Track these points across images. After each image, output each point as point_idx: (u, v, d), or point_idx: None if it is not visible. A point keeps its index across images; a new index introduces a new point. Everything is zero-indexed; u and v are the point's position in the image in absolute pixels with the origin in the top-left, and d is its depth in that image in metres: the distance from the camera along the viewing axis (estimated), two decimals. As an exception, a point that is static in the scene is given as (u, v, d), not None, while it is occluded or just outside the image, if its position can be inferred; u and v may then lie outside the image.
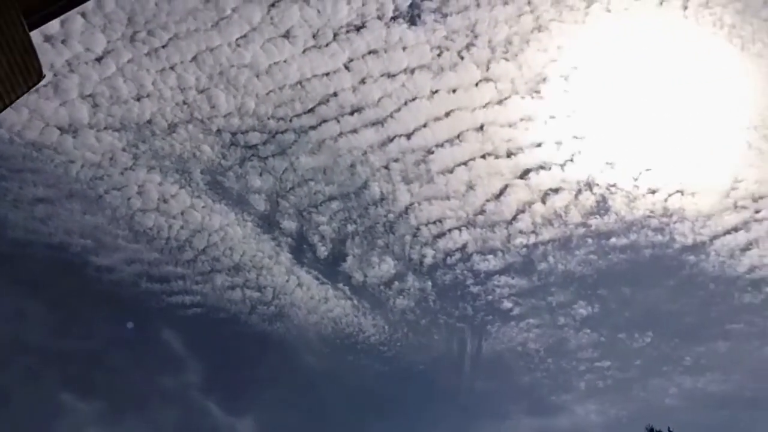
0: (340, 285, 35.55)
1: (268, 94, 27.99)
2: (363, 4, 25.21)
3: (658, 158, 30.18)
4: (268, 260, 34.57)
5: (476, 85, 27.37)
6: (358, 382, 38.95)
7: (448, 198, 31.25)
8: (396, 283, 35.44)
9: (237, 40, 26.22)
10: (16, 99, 8.47)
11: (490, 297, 35.81)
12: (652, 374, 40.14)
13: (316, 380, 38.77)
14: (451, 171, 30.25)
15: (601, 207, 31.62)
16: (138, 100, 28.73)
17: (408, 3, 25.21)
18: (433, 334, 38.35)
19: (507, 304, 36.19)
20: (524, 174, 30.39)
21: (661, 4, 25.58)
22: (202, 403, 37.98)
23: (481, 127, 28.76)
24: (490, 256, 33.83)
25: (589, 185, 30.80)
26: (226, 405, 38.14)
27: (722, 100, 28.71)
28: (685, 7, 25.66)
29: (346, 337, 37.82)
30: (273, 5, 25.15)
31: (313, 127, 28.86)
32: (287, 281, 35.43)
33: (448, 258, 34.02)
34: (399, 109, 28.16)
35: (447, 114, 28.34)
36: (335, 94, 27.89)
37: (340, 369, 39.15)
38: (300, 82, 27.61)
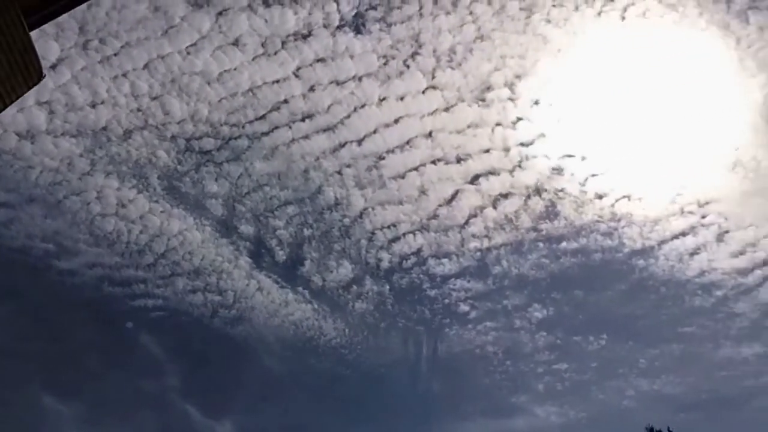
0: (300, 289, 35.80)
1: (220, 101, 28.26)
2: (309, 14, 25.58)
3: (604, 164, 30.69)
4: (227, 264, 34.78)
5: (423, 92, 27.79)
6: (321, 385, 39.20)
7: (401, 203, 31.60)
8: (354, 286, 35.74)
9: (187, 48, 26.51)
10: (16, 99, 8.45)
11: (446, 300, 36.18)
12: (608, 376, 40.57)
13: (276, 383, 38.94)
14: (402, 176, 30.62)
15: (551, 212, 32.08)
16: (93, 107, 28.93)
17: (353, 13, 25.60)
18: (392, 337, 38.66)
19: (464, 308, 36.55)
20: (474, 179, 30.81)
21: (599, 14, 26.09)
22: (167, 404, 38.11)
23: (430, 134, 29.18)
24: (445, 260, 34.19)
25: (538, 190, 31.25)
26: (192, 407, 38.27)
27: (663, 108, 29.25)
28: (623, 18, 26.19)
29: (307, 340, 38.05)
30: (221, 14, 25.48)
31: (265, 134, 29.17)
32: (247, 285, 35.63)
33: (404, 262, 34.38)
34: (349, 116, 28.53)
35: (396, 121, 28.72)
36: (286, 101, 28.21)
37: (302, 372, 39.38)
38: (251, 90, 27.92)
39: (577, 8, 25.82)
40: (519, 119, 28.76)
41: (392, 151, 29.70)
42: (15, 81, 8.23)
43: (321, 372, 39.01)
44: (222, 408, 38.98)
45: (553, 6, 25.66)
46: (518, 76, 27.48)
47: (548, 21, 25.98)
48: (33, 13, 8.37)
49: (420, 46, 26.36)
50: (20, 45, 8.11)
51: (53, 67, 27.67)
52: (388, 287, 35.69)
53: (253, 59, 26.93)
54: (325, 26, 25.79)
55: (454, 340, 37.93)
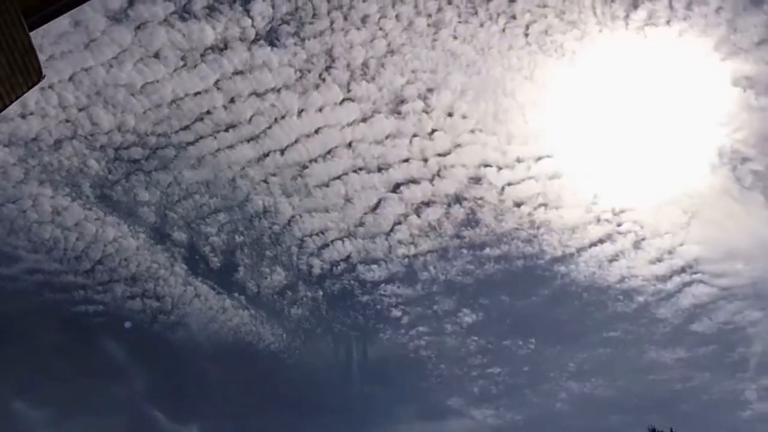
0: (236, 295, 36.05)
1: (145, 112, 28.65)
2: (225, 28, 26.11)
3: (520, 173, 31.34)
4: (163, 271, 34.99)
5: (340, 104, 28.35)
6: (260, 390, 39.31)
7: (327, 210, 32.04)
8: (289, 292, 36.05)
9: (109, 60, 26.93)
10: (16, 99, 8.29)
11: (378, 306, 36.55)
12: (540, 380, 41.05)
13: (216, 389, 38.98)
14: (327, 185, 31.09)
15: (472, 220, 32.63)
16: (23, 117, 29.27)
17: (267, 27, 26.17)
18: (328, 342, 38.98)
19: (396, 313, 36.95)
20: (396, 188, 31.35)
21: (503, 31, 26.82)
22: (107, 407, 38.08)
23: (350, 144, 29.71)
24: (375, 266, 34.62)
25: (458, 199, 31.84)
26: (140, 412, 38.28)
27: (574, 119, 30.00)
28: (527, 35, 26.94)
29: (246, 345, 38.23)
30: (139, 28, 25.95)
31: (191, 143, 29.56)
32: (185, 291, 35.84)
33: (335, 268, 34.75)
34: (270, 127, 29.01)
35: (316, 131, 29.24)
36: (209, 112, 28.66)
37: (241, 377, 39.44)
38: (174, 101, 28.34)
39: (482, 25, 26.56)
40: (434, 130, 29.42)
41: (315, 161, 30.22)
42: (15, 81, 8.12)
43: (260, 377, 39.22)
44: (164, 412, 39.00)
45: (459, 22, 26.38)
46: (430, 90, 28.16)
47: (455, 37, 26.69)
48: (33, 13, 8.30)
49: (333, 60, 26.99)
50: (20, 45, 8.01)
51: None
52: (321, 293, 36.09)
53: (174, 71, 27.39)
54: (241, 40, 26.36)
55: (388, 344, 38.32)
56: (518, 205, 32.07)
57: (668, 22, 26.72)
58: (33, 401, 35.63)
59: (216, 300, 36.26)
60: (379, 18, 25.96)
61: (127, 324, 36.46)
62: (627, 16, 26.67)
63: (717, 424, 42.93)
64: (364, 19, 25.95)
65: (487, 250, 33.90)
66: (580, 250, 34.04)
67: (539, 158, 30.76)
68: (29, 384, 35.93)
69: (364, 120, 28.76)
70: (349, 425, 41.26)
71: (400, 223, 32.71)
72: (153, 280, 35.39)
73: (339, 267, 34.64)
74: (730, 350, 38.98)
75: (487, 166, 30.73)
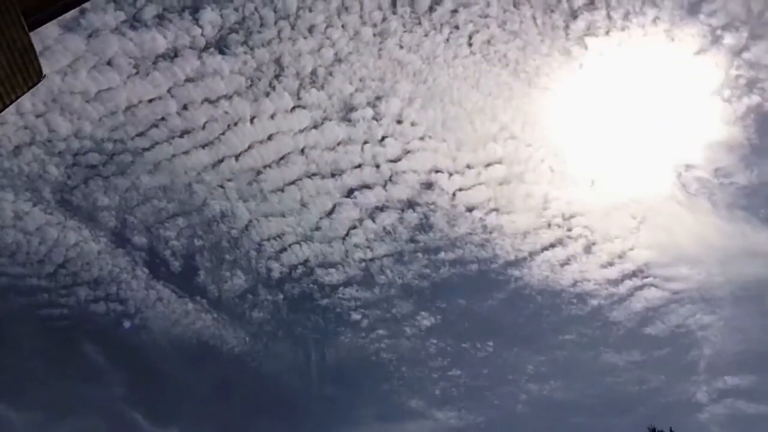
0: (198, 298, 36.14)
1: (101, 119, 28.82)
2: (176, 36, 26.38)
3: (471, 179, 31.65)
4: (125, 275, 35.07)
5: (291, 111, 28.63)
6: (222, 392, 39.31)
7: (284, 215, 32.25)
8: (249, 296, 36.17)
9: (64, 68, 27.14)
10: (16, 99, 8.26)
11: (338, 309, 36.71)
12: (500, 382, 41.21)
13: (179, 392, 38.94)
14: (282, 190, 31.31)
15: (425, 224, 32.91)
16: (-18, 124, 29.40)
17: (217, 36, 26.46)
18: (290, 345, 39.05)
19: (355, 316, 37.10)
20: (350, 193, 31.61)
21: (447, 40, 27.19)
22: (76, 410, 37.99)
23: (303, 150, 29.97)
24: (332, 270, 34.81)
25: (411, 204, 32.10)
26: (102, 415, 38.19)
27: (520, 129, 30.37)
28: (470, 44, 27.31)
29: (210, 348, 38.27)
30: (91, 36, 26.17)
31: (147, 149, 29.74)
32: (147, 295, 35.89)
33: (294, 272, 34.92)
34: (224, 133, 29.23)
35: (269, 137, 29.48)
36: (163, 119, 28.87)
37: (205, 380, 39.47)
38: (129, 108, 28.54)
39: (426, 35, 26.92)
40: (385, 137, 29.72)
41: (269, 166, 30.46)
42: (15, 81, 8.06)
43: (223, 380, 39.25)
44: (133, 414, 38.94)
45: (404, 32, 26.73)
46: (379, 97, 28.48)
47: (401, 46, 27.03)
48: (33, 13, 8.34)
49: (283, 68, 27.30)
50: (20, 45, 8.00)
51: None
52: (281, 296, 36.21)
53: (128, 78, 27.62)
54: (191, 48, 26.62)
55: (348, 347, 38.44)
56: (470, 209, 32.40)
57: (608, 32, 27.17)
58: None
59: (178, 303, 36.34)
60: (326, 27, 26.33)
61: (127, 324, 36.57)
62: (567, 27, 27.11)
63: (676, 426, 43.21)
64: (311, 29, 26.30)
65: (442, 254, 34.21)
66: (532, 254, 34.38)
67: (488, 164, 31.13)
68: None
69: (315, 127, 29.08)
70: (312, 427, 41.35)
71: (355, 227, 32.98)
72: (116, 283, 35.48)
73: (298, 270, 34.87)
74: (684, 353, 39.32)
75: (438, 171, 31.08)
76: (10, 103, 8.15)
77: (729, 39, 27.52)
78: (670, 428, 25.83)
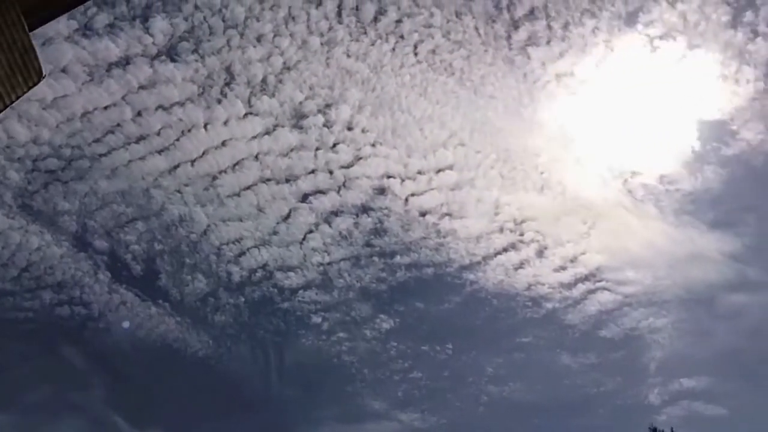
0: (160, 302, 36.08)
1: (58, 125, 28.89)
2: (127, 45, 26.51)
3: (422, 184, 31.81)
4: (88, 278, 35.03)
5: (243, 117, 28.77)
6: (185, 395, 39.12)
7: (241, 220, 32.29)
8: (211, 299, 36.12)
9: (19, 74, 27.17)
10: (16, 99, 8.02)
11: (299, 312, 36.69)
12: (461, 384, 41.20)
13: (145, 396, 38.69)
14: (238, 195, 31.39)
15: (380, 229, 33.01)
16: (-58, 130, 29.45)
17: (168, 44, 26.61)
18: (253, 348, 38.95)
19: (316, 319, 37.07)
20: (305, 198, 31.71)
21: (394, 50, 27.42)
22: (39, 414, 37.76)
23: (257, 156, 30.08)
24: (291, 273, 34.83)
25: (365, 209, 32.23)
26: (63, 419, 37.95)
27: (469, 136, 30.58)
28: (416, 54, 27.55)
29: (174, 351, 38.15)
30: (44, 44, 26.26)
31: (103, 155, 29.80)
32: (110, 298, 35.85)
33: (253, 275, 34.92)
34: (179, 139, 29.32)
35: (223, 143, 29.61)
36: (119, 125, 28.95)
37: (169, 382, 39.30)
38: (85, 114, 28.62)
39: (373, 44, 27.15)
40: (337, 143, 29.87)
41: (225, 172, 30.54)
42: (15, 81, 7.86)
43: (187, 382, 39.09)
44: (93, 419, 38.70)
45: (351, 41, 26.95)
46: (329, 105, 28.65)
47: (349, 55, 27.25)
48: (33, 13, 8.08)
49: (233, 76, 27.46)
50: (20, 45, 7.77)
51: None
52: (242, 299, 36.17)
53: (83, 86, 27.71)
54: (143, 56, 26.75)
55: (310, 350, 38.38)
56: (423, 214, 32.55)
57: (549, 42, 27.46)
58: None
59: (142, 307, 36.26)
60: (274, 36, 26.52)
61: (126, 324, 36.45)
62: (509, 37, 27.39)
63: (634, 428, 43.32)
64: (260, 38, 26.50)
65: (398, 258, 34.29)
66: (486, 258, 34.50)
67: (439, 170, 31.31)
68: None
69: (267, 133, 29.21)
70: (275, 428, 41.22)
71: (312, 231, 33.06)
72: (79, 287, 35.36)
73: (257, 274, 34.87)
74: (639, 356, 39.46)
75: (390, 177, 31.23)
76: (11, 103, 8.01)
77: (667, 49, 27.87)
78: (671, 428, 25.58)
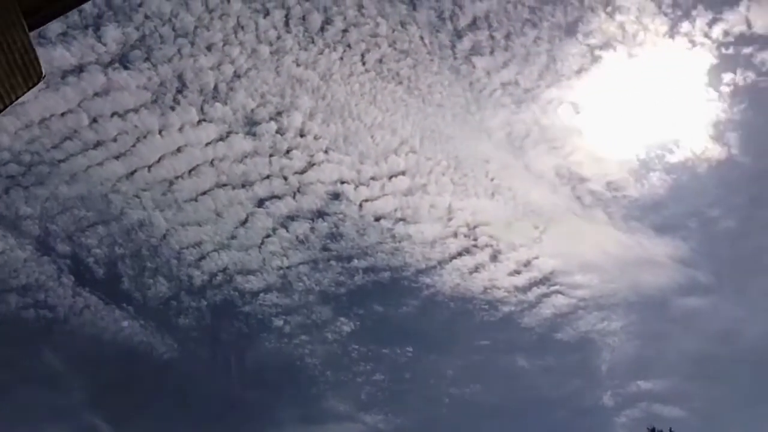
0: (124, 305, 35.99)
1: (17, 132, 28.93)
2: (80, 52, 26.61)
3: (376, 190, 31.88)
4: (53, 282, 34.95)
5: (197, 124, 28.86)
6: (150, 399, 38.87)
7: (200, 224, 32.30)
8: (173, 303, 36.04)
9: (-24, 81, 27.23)
10: (16, 99, 7.91)
11: (260, 315, 36.60)
12: (423, 386, 41.13)
13: (110, 401, 38.35)
14: (195, 200, 31.41)
15: (336, 233, 33.06)
16: None
17: (120, 52, 26.73)
18: (217, 351, 38.84)
19: (277, 322, 37.01)
20: (261, 203, 31.77)
21: (342, 58, 27.60)
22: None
23: (212, 162, 30.15)
24: (251, 277, 34.78)
25: (321, 214, 32.29)
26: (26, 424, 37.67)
27: (419, 143, 30.71)
28: (364, 62, 27.72)
29: (141, 355, 37.96)
30: None
31: (62, 161, 29.82)
32: (74, 302, 35.74)
33: (214, 279, 34.89)
34: (135, 145, 29.39)
35: (179, 149, 29.66)
36: (76, 131, 29.00)
37: (135, 386, 39.04)
38: (43, 121, 28.67)
39: (321, 52, 27.31)
40: (290, 149, 29.96)
41: (181, 177, 30.58)
42: (15, 81, 7.72)
43: (152, 386, 38.87)
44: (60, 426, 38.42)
45: (300, 50, 27.11)
46: (280, 112, 28.76)
47: (298, 64, 27.40)
48: (33, 13, 7.96)
49: (185, 83, 27.57)
50: (20, 45, 7.64)
51: None
52: (204, 303, 36.08)
53: (40, 92, 27.74)
54: (97, 63, 26.85)
55: (273, 352, 38.26)
56: (378, 219, 32.59)
57: (492, 52, 27.66)
58: None
59: (106, 310, 36.15)
60: (224, 45, 26.67)
61: (125, 324, 36.26)
62: (453, 46, 27.58)
63: (595, 430, 43.28)
64: (210, 47, 26.64)
65: (355, 262, 34.31)
66: (441, 262, 34.54)
67: (392, 176, 31.40)
68: None
69: (221, 139, 29.28)
70: (241, 431, 41.03)
71: (269, 236, 33.08)
72: (43, 291, 35.25)
73: (218, 278, 34.81)
74: (595, 358, 39.47)
75: (344, 183, 31.31)
76: (11, 103, 7.89)
77: (608, 58, 28.11)
78: (670, 428, 25.52)
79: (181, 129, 28.97)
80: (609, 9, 26.40)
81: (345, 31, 26.59)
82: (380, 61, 27.39)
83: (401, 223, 32.78)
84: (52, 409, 38.06)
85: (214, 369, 39.59)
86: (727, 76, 28.86)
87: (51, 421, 38.16)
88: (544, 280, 35.76)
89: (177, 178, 30.63)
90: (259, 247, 33.55)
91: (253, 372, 39.49)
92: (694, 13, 26.93)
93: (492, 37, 27.11)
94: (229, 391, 40.34)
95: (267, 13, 25.93)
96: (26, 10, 7.74)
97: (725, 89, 29.31)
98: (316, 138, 29.60)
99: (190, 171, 30.43)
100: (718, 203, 33.05)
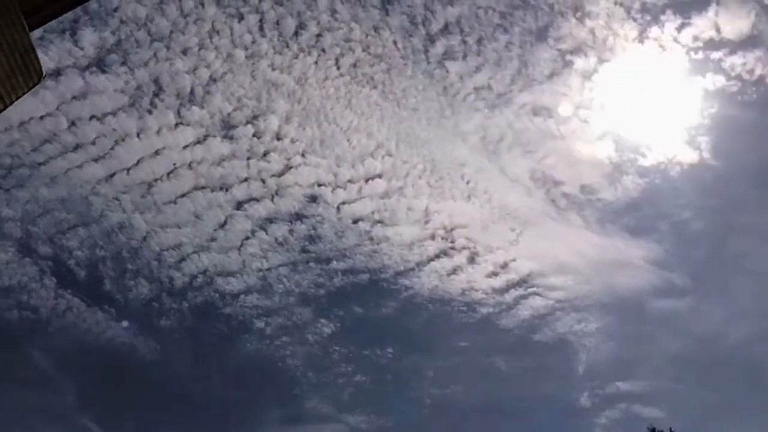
0: (106, 307, 35.95)
1: (-4, 135, 28.98)
2: (57, 55, 26.70)
3: (353, 193, 31.95)
4: (35, 284, 34.91)
5: (175, 127, 28.93)
6: (128, 401, 38.74)
7: (179, 226, 32.33)
8: (155, 304, 36.03)
9: (-46, 85, 27.29)
10: (16, 99, 7.83)
11: (241, 317, 36.58)
12: (405, 387, 41.08)
13: (92, 402, 38.28)
14: (175, 202, 31.45)
15: (315, 235, 33.11)
16: None
17: (97, 56, 26.81)
18: (200, 352, 38.79)
19: (259, 324, 37.00)
20: (240, 206, 31.82)
21: (317, 63, 27.71)
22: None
23: (190, 165, 30.21)
24: (232, 279, 34.78)
25: (299, 216, 32.35)
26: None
27: (395, 146, 30.80)
28: (339, 67, 27.83)
29: (123, 357, 37.89)
30: (-23, 56, 26.37)
31: (42, 163, 29.86)
32: (57, 304, 35.70)
33: (195, 281, 34.87)
34: (113, 148, 29.45)
35: (157, 152, 29.73)
36: (55, 134, 29.05)
37: (116, 388, 38.93)
38: (22, 124, 28.74)
39: (296, 57, 27.42)
40: (267, 152, 30.04)
41: (160, 179, 30.62)
42: (15, 81, 7.61)
43: (135, 386, 38.80)
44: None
45: (275, 54, 27.22)
46: (257, 116, 28.85)
47: (273, 68, 27.50)
48: (33, 13, 7.86)
49: (162, 87, 27.67)
50: (20, 45, 7.55)
51: None
52: (186, 304, 36.06)
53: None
54: (74, 67, 26.93)
55: (255, 354, 38.23)
56: (356, 221, 32.65)
57: (465, 56, 27.79)
58: None
59: (88, 312, 36.12)
60: (199, 49, 26.77)
61: (125, 323, 36.14)
62: (426, 51, 27.71)
63: (576, 431, 43.26)
64: (186, 51, 26.73)
65: (334, 264, 34.33)
66: (420, 264, 34.58)
67: (368, 179, 31.48)
68: None
69: (199, 142, 29.36)
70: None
71: (248, 238, 33.10)
72: (26, 292, 35.23)
73: (198, 279, 34.80)
74: (574, 359, 39.49)
75: (321, 185, 31.37)
76: (11, 104, 7.80)
77: (579, 63, 28.25)
78: (670, 428, 25.43)
79: (158, 132, 29.07)
80: (579, 14, 26.58)
81: (319, 35, 26.75)
82: (354, 65, 27.54)
83: (379, 225, 32.88)
84: (35, 409, 38.02)
85: (197, 370, 39.57)
86: (697, 81, 29.05)
87: (33, 420, 38.06)
88: (521, 282, 35.83)
89: (156, 180, 30.71)
90: (239, 249, 33.61)
91: (235, 373, 39.48)
92: (663, 18, 27.12)
93: (464, 42, 27.27)
94: (211, 392, 40.31)
95: (241, 18, 26.08)
96: (26, 10, 7.70)
97: (695, 93, 29.50)
98: (292, 141, 29.72)
99: (168, 174, 30.51)
100: (690, 206, 33.23)
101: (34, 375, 38.30)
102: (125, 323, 37.00)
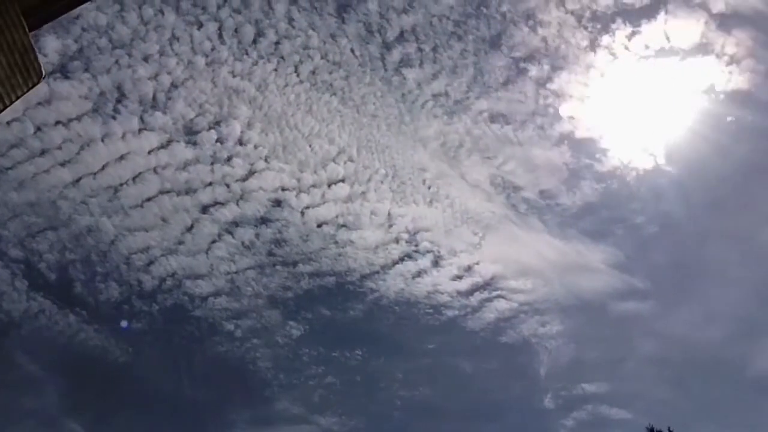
0: (78, 309, 35.95)
1: (-37, 140, 29.08)
2: (22, 63, 26.78)
3: (317, 197, 32.12)
4: (6, 287, 34.93)
5: (139, 132, 29.09)
6: (105, 404, 38.71)
7: (147, 230, 32.42)
8: (125, 307, 36.05)
9: None
10: (16, 100, 7.79)
11: (210, 320, 36.65)
12: (375, 389, 41.10)
13: (65, 406, 38.19)
14: (141, 206, 31.56)
15: (280, 239, 33.23)
16: None
17: (60, 63, 27.01)
18: (170, 355, 38.77)
19: (228, 326, 37.04)
20: (205, 209, 31.95)
21: (276, 70, 27.91)
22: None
23: (155, 169, 30.34)
24: (200, 281, 34.85)
25: (264, 220, 32.49)
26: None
27: (356, 152, 30.99)
28: (298, 74, 28.05)
29: (95, 360, 37.82)
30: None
31: (9, 168, 29.95)
32: (29, 306, 35.71)
33: (164, 283, 34.93)
34: (79, 152, 29.59)
35: (122, 157, 29.87)
36: (22, 139, 29.17)
37: (90, 391, 38.85)
38: (-12, 129, 28.81)
39: (255, 64, 27.64)
40: (230, 157, 30.20)
41: (126, 184, 30.76)
42: (15, 82, 7.56)
43: (106, 388, 38.74)
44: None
45: (235, 61, 27.44)
46: (219, 122, 29.03)
47: (234, 74, 27.72)
48: (33, 13, 7.77)
49: (125, 93, 27.84)
50: (20, 46, 7.47)
51: None
52: (156, 307, 36.09)
53: (-17, 102, 27.91)
54: (38, 74, 26.99)
55: (225, 356, 38.25)
56: (320, 225, 32.80)
57: (421, 64, 28.05)
58: None
59: (60, 315, 36.11)
60: (160, 56, 26.96)
61: (124, 323, 36.05)
62: (383, 58, 27.95)
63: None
64: (147, 58, 26.93)
65: (300, 267, 34.45)
66: (384, 267, 34.70)
67: (331, 184, 31.66)
68: None
69: (163, 147, 29.51)
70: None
71: (215, 241, 33.21)
72: (-1, 296, 35.27)
73: (167, 282, 34.83)
74: (539, 361, 39.58)
75: (285, 190, 31.52)
76: (11, 104, 7.75)
77: (533, 71, 28.52)
78: (669, 428, 25.47)
79: (123, 137, 29.22)
80: (531, 23, 26.87)
81: (277, 43, 26.98)
82: (313, 72, 27.77)
83: (343, 229, 33.02)
84: (12, 411, 37.89)
85: (168, 372, 39.54)
86: (650, 88, 29.35)
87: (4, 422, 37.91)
88: (485, 285, 35.97)
89: (122, 185, 30.83)
90: (207, 253, 33.69)
91: (206, 374, 39.45)
92: (613, 26, 27.44)
93: (420, 50, 27.53)
94: (182, 394, 40.25)
95: (200, 26, 26.30)
96: (26, 10, 7.63)
97: (649, 100, 29.78)
98: (255, 147, 29.89)
99: (134, 178, 30.63)
100: (646, 210, 33.48)
101: (14, 377, 38.24)
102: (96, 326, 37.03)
